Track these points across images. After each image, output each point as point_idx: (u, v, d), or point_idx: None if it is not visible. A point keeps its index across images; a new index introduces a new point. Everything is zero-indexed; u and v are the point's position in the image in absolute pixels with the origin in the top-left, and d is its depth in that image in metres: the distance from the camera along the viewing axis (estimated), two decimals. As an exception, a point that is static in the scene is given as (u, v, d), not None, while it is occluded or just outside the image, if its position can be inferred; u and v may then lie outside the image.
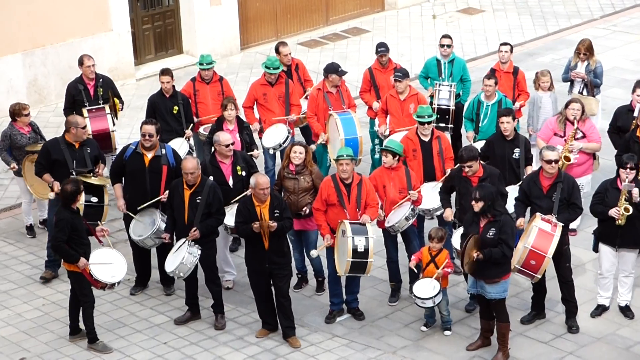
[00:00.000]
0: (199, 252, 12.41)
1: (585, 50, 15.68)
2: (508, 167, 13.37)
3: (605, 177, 12.95)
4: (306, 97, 15.56)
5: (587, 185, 14.11)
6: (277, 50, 15.81)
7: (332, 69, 15.03)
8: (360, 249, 12.07)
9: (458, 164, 12.76)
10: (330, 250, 12.54)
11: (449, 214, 12.82)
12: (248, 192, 12.62)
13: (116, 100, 15.37)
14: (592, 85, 15.65)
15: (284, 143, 14.69)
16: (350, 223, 12.23)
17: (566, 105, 14.08)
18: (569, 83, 15.92)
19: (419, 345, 12.43)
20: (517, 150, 13.42)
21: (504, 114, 13.49)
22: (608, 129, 14.30)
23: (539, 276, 12.05)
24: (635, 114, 13.74)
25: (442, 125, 15.14)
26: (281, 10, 21.47)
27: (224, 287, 13.19)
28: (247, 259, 12.47)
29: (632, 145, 13.35)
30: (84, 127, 13.47)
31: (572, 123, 13.88)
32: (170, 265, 12.52)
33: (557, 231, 12.01)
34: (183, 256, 12.33)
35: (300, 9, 21.72)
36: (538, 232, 11.92)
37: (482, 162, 12.80)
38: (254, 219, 12.05)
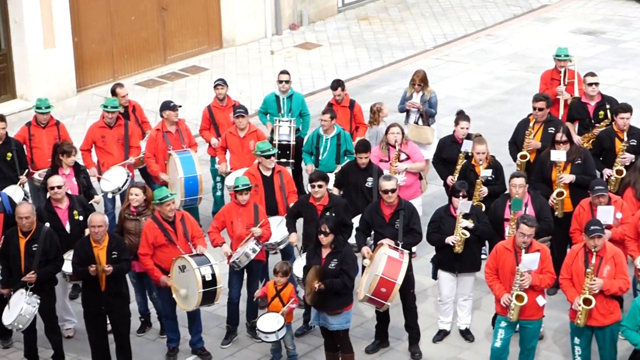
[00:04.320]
0: (38, 301, 12.10)
1: (420, 81, 16.01)
2: (361, 196, 13.56)
3: (441, 203, 13.20)
4: (145, 139, 15.43)
5: (419, 208, 14.35)
6: (113, 92, 15.65)
7: (165, 106, 15.03)
8: (209, 277, 12.14)
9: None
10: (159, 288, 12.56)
11: (294, 238, 12.96)
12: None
13: None
14: (427, 115, 15.99)
15: (123, 186, 14.53)
16: (189, 256, 12.23)
17: (386, 131, 14.39)
18: (405, 113, 16.22)
19: (266, 382, 12.44)
20: (370, 179, 13.63)
21: (362, 150, 13.65)
22: (433, 160, 14.60)
23: (389, 304, 12.16)
24: (464, 148, 14.01)
25: (284, 160, 15.25)
26: (117, 50, 21.27)
27: (64, 336, 12.90)
28: (83, 301, 12.31)
29: (468, 174, 13.68)
30: None
31: (394, 147, 14.17)
32: (8, 317, 12.14)
33: (404, 258, 12.19)
34: (22, 307, 11.99)
35: (137, 49, 21.56)
36: (387, 260, 12.05)
37: (329, 190, 12.98)
38: (90, 261, 11.90)
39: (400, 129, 14.32)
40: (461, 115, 14.54)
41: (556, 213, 13.13)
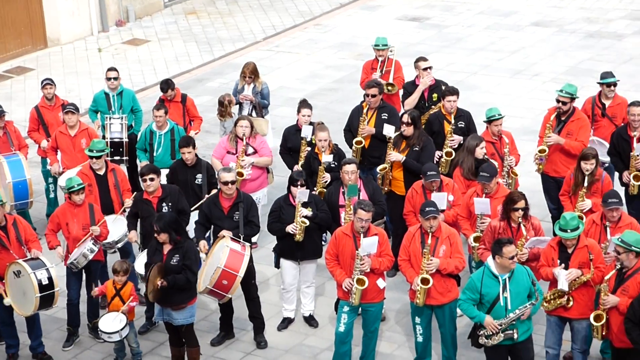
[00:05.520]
0: None
1: (250, 73, 16.05)
2: (192, 193, 13.51)
3: (281, 193, 13.27)
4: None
5: (264, 198, 14.51)
6: None
7: None
8: (45, 281, 11.94)
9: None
10: None
11: (133, 235, 12.88)
12: None
13: None
14: (261, 107, 16.05)
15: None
16: (24, 261, 11.99)
17: (235, 123, 14.42)
18: (238, 105, 16.24)
19: (111, 382, 12.29)
20: (199, 175, 13.60)
21: (183, 145, 13.57)
22: (280, 150, 14.65)
23: (230, 296, 12.17)
24: (303, 134, 14.14)
25: (117, 158, 15.05)
26: (-64, 53, 20.63)
27: None
28: None
29: (312, 162, 13.81)
30: None
31: (242, 139, 14.20)
32: None
33: (246, 251, 12.22)
34: None
35: (-43, 51, 20.96)
36: (230, 252, 12.04)
37: (161, 183, 12.90)
38: None
39: (250, 123, 14.33)
40: (303, 103, 14.65)
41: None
